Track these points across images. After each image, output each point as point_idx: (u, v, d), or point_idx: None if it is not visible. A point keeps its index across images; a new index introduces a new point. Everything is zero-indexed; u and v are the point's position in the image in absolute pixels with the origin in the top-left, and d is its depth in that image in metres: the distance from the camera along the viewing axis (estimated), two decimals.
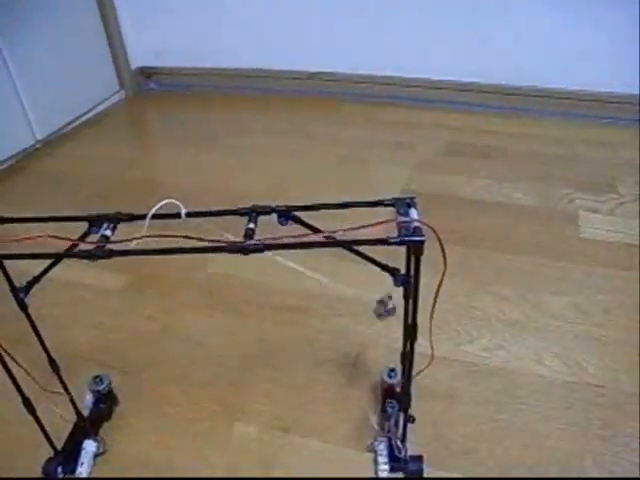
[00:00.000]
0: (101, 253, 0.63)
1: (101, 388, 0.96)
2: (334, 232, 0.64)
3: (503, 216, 1.46)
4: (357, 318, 1.15)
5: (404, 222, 0.64)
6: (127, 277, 1.31)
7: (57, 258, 0.69)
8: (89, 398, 0.96)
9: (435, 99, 2.06)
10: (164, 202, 0.63)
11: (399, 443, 0.84)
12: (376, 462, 0.87)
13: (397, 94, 2.08)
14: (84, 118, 2.14)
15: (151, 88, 2.42)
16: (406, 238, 0.63)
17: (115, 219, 0.69)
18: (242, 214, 0.67)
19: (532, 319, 1.14)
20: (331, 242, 0.65)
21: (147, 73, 2.39)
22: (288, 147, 1.87)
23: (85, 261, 0.64)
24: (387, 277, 0.70)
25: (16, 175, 1.81)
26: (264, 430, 0.95)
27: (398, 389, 0.90)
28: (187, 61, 2.31)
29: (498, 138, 1.84)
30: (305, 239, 0.64)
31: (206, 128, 2.05)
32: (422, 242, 0.63)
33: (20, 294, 0.72)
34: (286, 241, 0.63)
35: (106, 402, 0.98)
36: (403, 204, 0.68)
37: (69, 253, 0.65)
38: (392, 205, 0.68)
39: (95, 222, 0.68)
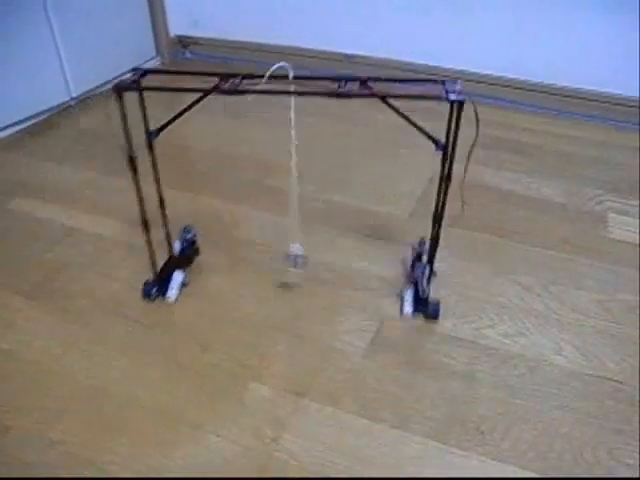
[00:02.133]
0: (237, 89, 0.89)
1: (188, 236, 1.19)
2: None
3: (532, 209, 1.45)
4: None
5: (451, 90, 0.90)
6: None
7: (205, 93, 0.91)
8: (178, 243, 1.18)
9: (474, 92, 2.04)
10: (277, 65, 0.86)
11: (425, 285, 1.08)
12: (402, 303, 1.12)
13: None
14: (118, 80, 2.15)
15: (186, 57, 2.42)
16: (452, 97, 0.88)
17: (240, 76, 0.91)
18: (336, 79, 0.91)
19: (554, 311, 1.14)
20: (399, 96, 0.90)
21: (184, 42, 2.40)
22: (324, 127, 1.87)
23: None
24: None
25: (50, 130, 1.83)
26: (279, 393, 0.96)
27: (424, 256, 1.13)
28: (224, 33, 2.31)
29: (533, 136, 1.83)
30: (380, 93, 0.89)
31: (237, 101, 2.05)
32: (462, 101, 0.88)
33: (152, 136, 1.02)
34: (365, 92, 0.90)
35: (190, 249, 1.21)
36: (451, 82, 0.92)
37: (213, 90, 0.89)
38: (441, 82, 0.92)
39: (224, 77, 0.91)
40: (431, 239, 1.05)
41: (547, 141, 1.80)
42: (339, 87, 0.88)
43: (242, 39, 2.30)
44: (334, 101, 0.90)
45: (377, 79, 0.90)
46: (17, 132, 1.78)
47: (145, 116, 0.99)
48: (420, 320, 1.10)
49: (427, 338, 1.07)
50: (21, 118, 1.79)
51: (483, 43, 1.97)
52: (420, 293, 1.09)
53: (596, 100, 1.91)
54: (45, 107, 1.88)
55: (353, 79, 0.89)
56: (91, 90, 2.04)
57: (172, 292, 1.14)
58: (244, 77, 0.90)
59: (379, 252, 1.28)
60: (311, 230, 1.32)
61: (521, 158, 1.70)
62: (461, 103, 0.88)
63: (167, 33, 2.34)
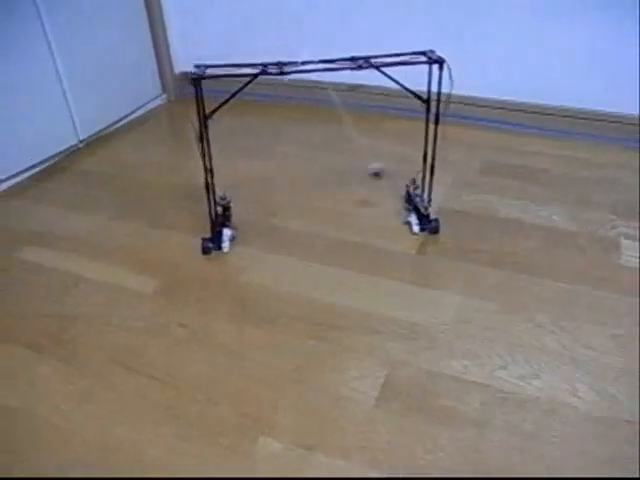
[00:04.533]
0: (281, 70, 1.20)
1: (224, 202, 1.43)
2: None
3: (540, 239, 1.43)
4: (389, 335, 1.15)
5: (432, 56, 1.23)
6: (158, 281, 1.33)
7: (254, 76, 1.20)
8: (219, 208, 1.43)
9: (475, 116, 2.04)
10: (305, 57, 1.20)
11: (426, 203, 1.42)
12: (410, 226, 1.46)
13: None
14: (126, 120, 2.18)
15: (193, 93, 2.43)
16: (434, 60, 1.21)
17: (280, 63, 1.21)
18: (349, 59, 1.24)
19: (568, 348, 1.11)
20: (392, 64, 1.22)
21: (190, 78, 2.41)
22: (323, 159, 1.87)
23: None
24: None
25: (59, 174, 1.84)
26: (289, 447, 0.95)
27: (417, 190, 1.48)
28: (230, 68, 2.32)
29: (538, 159, 1.82)
30: (382, 62, 1.23)
31: (246, 136, 2.07)
32: (443, 61, 1.20)
33: (207, 118, 1.27)
34: (377, 62, 1.23)
35: (228, 211, 1.46)
36: (431, 52, 1.25)
37: (265, 72, 1.20)
38: (423, 53, 1.25)
39: (265, 66, 1.20)
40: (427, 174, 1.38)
41: (553, 165, 1.78)
42: (357, 64, 1.23)
43: (247, 72, 2.30)
44: None
45: (376, 56, 1.22)
46: (24, 178, 1.80)
47: (202, 101, 1.25)
48: (429, 361, 1.08)
49: (438, 382, 1.05)
50: (28, 165, 1.82)
51: (483, 65, 1.96)
52: (422, 210, 1.41)
53: (602, 120, 1.89)
54: (53, 151, 1.90)
55: (360, 58, 1.23)
56: (99, 131, 2.06)
57: (225, 244, 1.41)
58: (284, 64, 1.20)
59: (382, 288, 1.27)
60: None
61: (527, 184, 1.68)
62: (441, 62, 1.20)
63: (172, 70, 2.37)
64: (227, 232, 1.42)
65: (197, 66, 1.23)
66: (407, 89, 1.25)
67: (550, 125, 1.97)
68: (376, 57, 1.21)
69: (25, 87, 1.76)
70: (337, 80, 2.16)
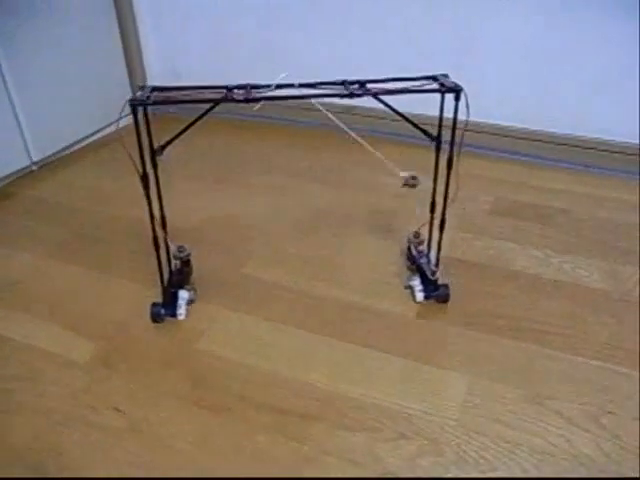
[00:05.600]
0: (251, 97, 0.91)
1: (182, 255, 1.11)
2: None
3: (567, 299, 1.18)
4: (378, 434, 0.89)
5: (445, 82, 0.96)
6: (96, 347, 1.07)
7: (217, 102, 0.92)
8: (175, 263, 1.14)
9: (486, 146, 1.80)
10: (283, 75, 0.90)
11: (433, 267, 1.13)
12: (413, 292, 1.17)
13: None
14: (90, 140, 1.93)
15: (169, 112, 2.19)
16: (450, 87, 0.93)
17: (247, 86, 0.93)
18: (339, 83, 0.97)
19: (610, 457, 0.86)
20: (397, 92, 0.94)
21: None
22: (308, 193, 1.63)
23: None
24: None
25: (3, 200, 1.59)
26: None
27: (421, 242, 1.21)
28: (208, 83, 2.09)
29: (559, 198, 1.57)
30: (382, 89, 0.95)
31: (218, 162, 1.82)
32: (460, 89, 0.92)
33: (157, 153, 0.99)
34: (368, 93, 0.94)
35: (187, 266, 1.15)
36: (442, 76, 0.97)
37: (227, 99, 0.91)
38: (433, 78, 0.97)
39: (231, 90, 0.92)
40: (439, 223, 1.10)
41: (576, 204, 1.54)
42: (346, 89, 0.95)
43: (209, 96, 2.07)
44: None
45: (375, 80, 0.97)
46: None
47: (150, 132, 0.99)
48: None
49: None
50: None
51: (496, 88, 1.73)
52: (428, 274, 1.13)
53: (633, 154, 1.65)
54: (1, 174, 1.65)
55: (353, 82, 0.97)
56: (57, 152, 1.81)
57: (181, 310, 1.12)
58: (252, 87, 0.93)
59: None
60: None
61: (547, 228, 1.43)
62: (458, 91, 0.93)
63: (144, 86, 2.12)
64: (184, 295, 1.13)
65: (141, 87, 0.97)
66: (412, 123, 1.01)
67: (570, 158, 1.73)
68: (374, 81, 0.97)
69: None
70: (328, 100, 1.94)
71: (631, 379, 0.99)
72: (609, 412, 0.93)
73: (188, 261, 1.14)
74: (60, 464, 0.85)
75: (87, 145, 1.92)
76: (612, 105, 1.63)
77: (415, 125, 1.01)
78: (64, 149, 1.84)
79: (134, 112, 0.90)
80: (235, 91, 0.92)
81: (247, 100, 0.90)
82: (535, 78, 1.68)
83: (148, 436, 0.89)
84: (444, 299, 1.15)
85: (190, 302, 1.15)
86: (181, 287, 1.14)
